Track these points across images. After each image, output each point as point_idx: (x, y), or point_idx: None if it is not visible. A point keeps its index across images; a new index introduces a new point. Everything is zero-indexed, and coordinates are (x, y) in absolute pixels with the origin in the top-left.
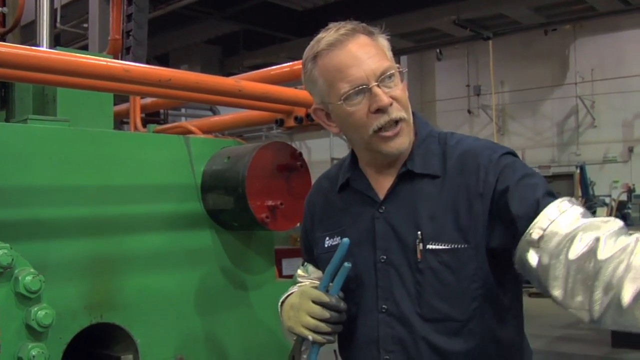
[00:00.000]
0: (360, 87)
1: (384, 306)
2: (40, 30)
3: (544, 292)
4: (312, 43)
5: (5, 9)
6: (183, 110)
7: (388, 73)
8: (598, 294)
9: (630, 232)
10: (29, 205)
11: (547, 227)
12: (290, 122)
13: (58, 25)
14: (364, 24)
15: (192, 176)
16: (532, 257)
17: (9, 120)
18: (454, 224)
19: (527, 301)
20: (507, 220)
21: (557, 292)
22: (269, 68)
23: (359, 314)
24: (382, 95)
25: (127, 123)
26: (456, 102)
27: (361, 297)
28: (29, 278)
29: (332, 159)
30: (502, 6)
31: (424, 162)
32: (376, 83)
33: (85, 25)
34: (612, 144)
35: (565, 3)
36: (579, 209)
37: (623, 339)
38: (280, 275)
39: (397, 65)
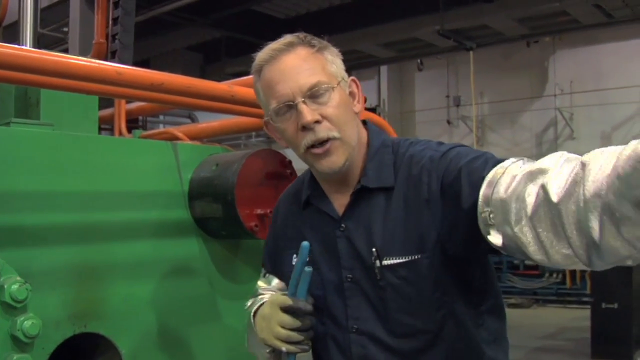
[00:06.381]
0: (286, 104)
1: (354, 326)
2: (24, 31)
3: (533, 261)
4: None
5: None
6: (161, 117)
7: (317, 89)
8: (575, 239)
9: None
10: (11, 211)
11: (490, 201)
12: None
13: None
14: (310, 36)
15: (180, 183)
16: (495, 238)
17: None
18: (405, 235)
19: (506, 312)
20: (464, 211)
21: (538, 256)
22: None
23: (329, 333)
24: (305, 112)
25: (106, 129)
26: (436, 112)
27: (331, 316)
28: (15, 287)
29: None
30: (487, 17)
31: (377, 175)
32: (302, 99)
33: (65, 29)
34: None
35: (549, 15)
36: (515, 166)
37: (602, 350)
38: None
39: (353, 79)
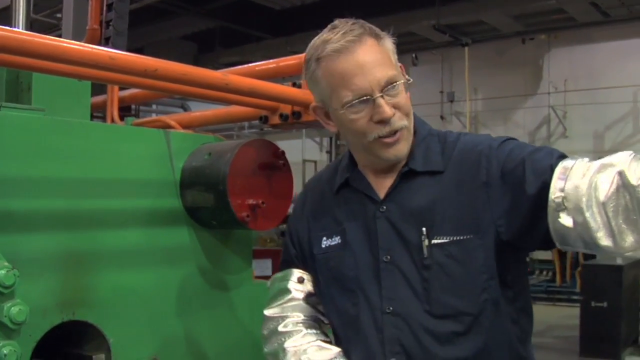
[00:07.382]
0: (364, 98)
1: (389, 307)
2: (16, 16)
3: (594, 252)
4: (317, 42)
5: None
6: (154, 107)
7: (393, 83)
8: None
9: None
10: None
11: (564, 187)
12: (275, 120)
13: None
14: (370, 25)
15: (171, 172)
16: (566, 220)
17: None
18: (458, 216)
19: None
20: (526, 196)
21: (606, 242)
22: (254, 64)
23: (360, 315)
24: (385, 107)
25: (98, 117)
26: (429, 107)
27: (362, 298)
28: (2, 272)
29: (304, 160)
30: (483, 13)
31: (425, 160)
32: (380, 94)
33: (59, 15)
34: (583, 155)
35: (545, 12)
36: (585, 158)
37: (591, 348)
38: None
39: (401, 66)
